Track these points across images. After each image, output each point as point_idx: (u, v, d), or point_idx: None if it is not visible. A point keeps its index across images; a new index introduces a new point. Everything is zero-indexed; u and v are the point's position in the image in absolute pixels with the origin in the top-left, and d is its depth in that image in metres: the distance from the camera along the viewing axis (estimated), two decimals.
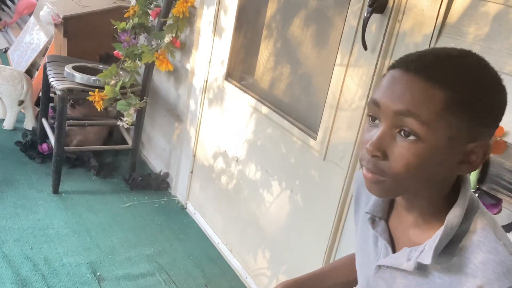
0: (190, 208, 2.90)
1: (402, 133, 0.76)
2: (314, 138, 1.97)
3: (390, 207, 0.93)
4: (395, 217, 0.92)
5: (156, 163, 3.32)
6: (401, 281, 0.88)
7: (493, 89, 0.77)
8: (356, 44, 1.78)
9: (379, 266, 0.91)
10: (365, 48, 1.71)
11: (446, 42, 1.48)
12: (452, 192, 0.84)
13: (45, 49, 4.17)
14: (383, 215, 0.93)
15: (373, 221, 0.93)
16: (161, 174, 3.16)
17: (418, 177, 0.78)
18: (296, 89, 2.24)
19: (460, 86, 0.74)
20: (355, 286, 1.16)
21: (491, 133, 0.80)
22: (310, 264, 1.99)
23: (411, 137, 0.75)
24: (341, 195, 1.83)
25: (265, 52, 2.45)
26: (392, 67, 0.80)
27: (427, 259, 0.81)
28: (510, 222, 1.27)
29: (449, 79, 0.74)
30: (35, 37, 4.39)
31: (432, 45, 1.52)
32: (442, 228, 0.80)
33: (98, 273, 2.28)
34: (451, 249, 0.81)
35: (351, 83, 1.80)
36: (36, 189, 2.88)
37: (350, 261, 1.22)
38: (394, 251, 0.90)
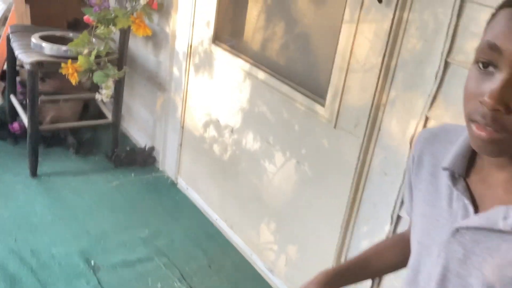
0: (182, 183, 2.72)
1: None
2: (322, 105, 1.80)
3: (468, 163, 0.84)
4: (477, 174, 0.82)
5: (139, 136, 3.10)
6: (486, 245, 0.78)
7: None
8: None
9: (457, 230, 0.81)
10: (380, 0, 1.52)
11: None
12: None
13: (4, 18, 3.83)
14: (463, 173, 0.82)
15: (453, 178, 0.82)
16: (146, 148, 2.96)
17: None
18: (296, 51, 2.04)
19: None
20: (402, 268, 1.07)
21: None
22: (324, 238, 1.86)
23: None
24: (357, 165, 1.68)
25: (257, 11, 2.23)
26: (509, 4, 0.68)
27: None
28: None
29: None
30: None
31: None
32: None
33: (92, 262, 2.11)
34: None
35: (363, 41, 1.62)
36: (12, 173, 2.65)
37: (393, 242, 1.12)
38: (476, 212, 0.80)
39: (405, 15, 1.49)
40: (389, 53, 1.54)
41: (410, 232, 0.98)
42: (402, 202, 1.58)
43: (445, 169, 0.83)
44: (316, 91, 1.86)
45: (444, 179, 0.87)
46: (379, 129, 1.61)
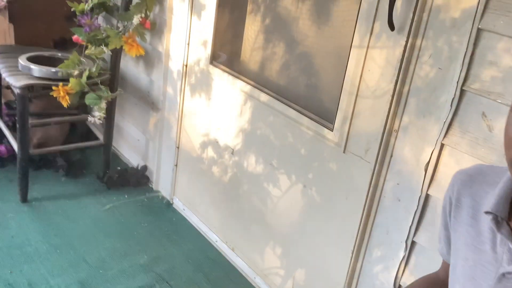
0: (178, 204, 2.67)
1: None
2: (330, 129, 1.78)
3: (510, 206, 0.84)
4: None
5: (130, 156, 3.04)
6: None
7: None
8: (376, 22, 1.58)
9: (503, 275, 0.80)
10: (392, 28, 1.52)
11: (493, 19, 1.31)
12: None
13: None
14: (506, 216, 0.82)
15: (496, 221, 0.82)
16: (139, 168, 2.89)
17: None
18: (301, 74, 2.02)
19: None
20: None
21: None
22: (334, 263, 1.84)
23: None
24: (369, 190, 1.67)
25: (259, 32, 2.20)
26: None
27: None
28: None
29: None
30: None
31: (476, 22, 1.35)
32: None
33: None
34: None
35: (373, 67, 1.61)
36: (1, 200, 2.56)
37: (428, 284, 1.11)
38: None
39: (418, 42, 1.49)
40: (401, 79, 1.53)
41: (449, 275, 0.97)
42: (416, 228, 1.57)
43: (488, 213, 0.83)
44: (323, 115, 1.84)
45: (486, 222, 0.86)
46: (392, 155, 1.60)
